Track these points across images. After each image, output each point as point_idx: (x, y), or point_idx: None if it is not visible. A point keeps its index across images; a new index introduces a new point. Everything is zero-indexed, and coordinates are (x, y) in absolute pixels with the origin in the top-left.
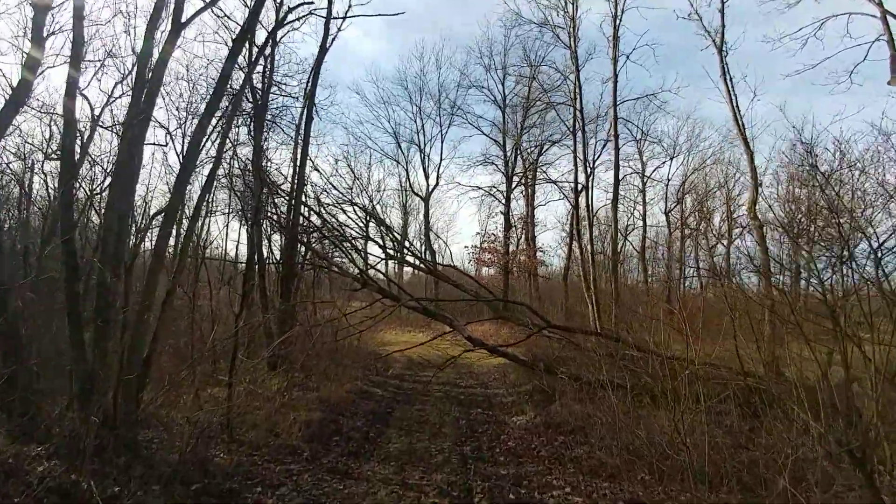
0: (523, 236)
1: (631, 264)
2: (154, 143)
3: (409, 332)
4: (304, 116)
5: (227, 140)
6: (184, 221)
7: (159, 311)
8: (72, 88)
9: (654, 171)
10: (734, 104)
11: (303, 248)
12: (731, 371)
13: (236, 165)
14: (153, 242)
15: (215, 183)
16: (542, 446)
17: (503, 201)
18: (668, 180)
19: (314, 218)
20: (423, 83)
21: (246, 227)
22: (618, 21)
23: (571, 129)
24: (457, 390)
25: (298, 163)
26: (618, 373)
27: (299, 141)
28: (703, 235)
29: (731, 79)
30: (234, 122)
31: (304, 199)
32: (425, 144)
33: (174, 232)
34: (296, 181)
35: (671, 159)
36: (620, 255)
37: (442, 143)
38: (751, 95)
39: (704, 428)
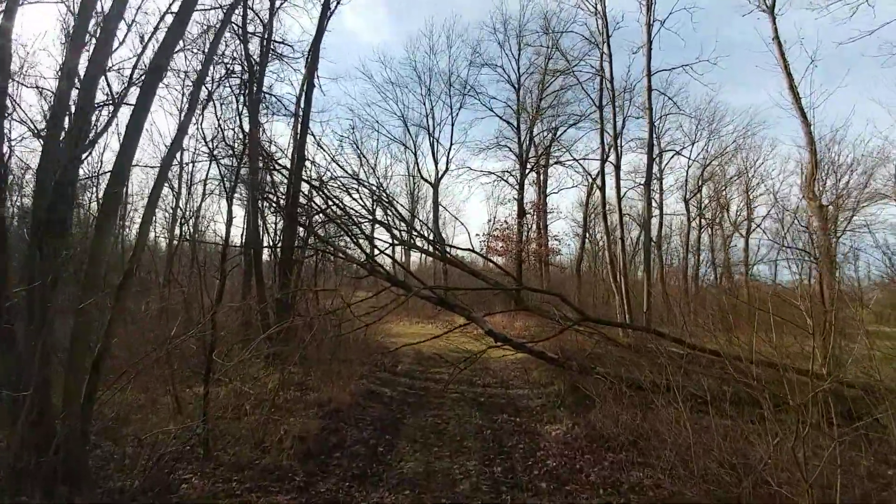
0: (534, 224)
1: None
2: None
3: (417, 323)
4: (305, 84)
5: (204, 86)
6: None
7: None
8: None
9: (674, 156)
10: (788, 70)
11: (304, 232)
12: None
13: (234, 139)
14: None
15: (213, 162)
16: (589, 467)
17: (516, 187)
18: (690, 165)
19: (317, 199)
20: (432, 63)
21: (227, 199)
22: None
23: (598, 104)
24: (474, 391)
25: (298, 136)
26: (684, 378)
27: (300, 113)
28: (718, 225)
29: (782, 43)
30: (215, 71)
31: (306, 177)
32: (434, 128)
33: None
34: (295, 156)
35: (692, 144)
36: (634, 247)
37: (452, 126)
38: (806, 62)
39: (836, 458)
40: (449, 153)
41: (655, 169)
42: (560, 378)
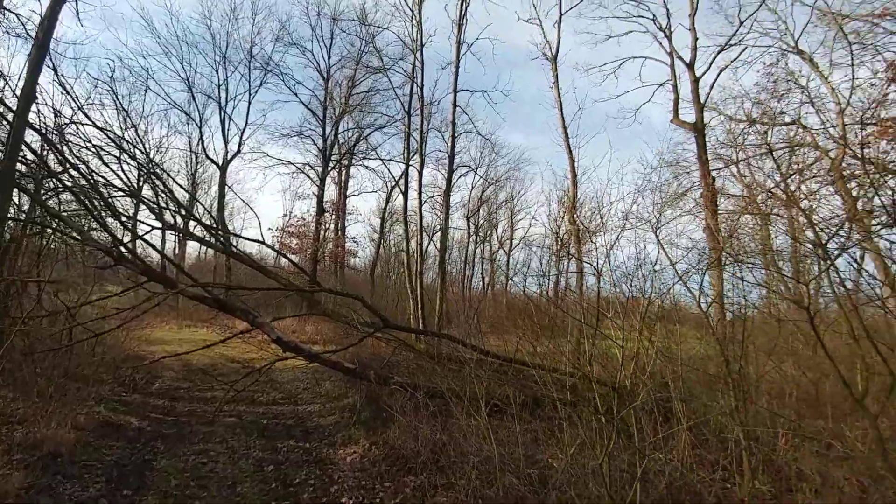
0: (332, 224)
1: (428, 263)
2: None
3: (188, 327)
4: None
5: None
6: None
7: None
8: None
9: (461, 177)
10: (562, 112)
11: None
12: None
13: None
14: None
15: None
16: (390, 498)
17: (317, 182)
18: (473, 186)
19: (52, 160)
20: (232, 27)
21: None
22: (465, 5)
23: (407, 109)
24: (256, 411)
25: (31, 67)
26: (484, 386)
27: (39, 35)
28: (488, 242)
29: (560, 88)
30: None
31: (41, 127)
32: (228, 102)
33: None
34: (22, 94)
35: (476, 168)
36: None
37: (249, 104)
38: (575, 109)
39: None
40: (243, 134)
41: (443, 183)
42: (355, 389)
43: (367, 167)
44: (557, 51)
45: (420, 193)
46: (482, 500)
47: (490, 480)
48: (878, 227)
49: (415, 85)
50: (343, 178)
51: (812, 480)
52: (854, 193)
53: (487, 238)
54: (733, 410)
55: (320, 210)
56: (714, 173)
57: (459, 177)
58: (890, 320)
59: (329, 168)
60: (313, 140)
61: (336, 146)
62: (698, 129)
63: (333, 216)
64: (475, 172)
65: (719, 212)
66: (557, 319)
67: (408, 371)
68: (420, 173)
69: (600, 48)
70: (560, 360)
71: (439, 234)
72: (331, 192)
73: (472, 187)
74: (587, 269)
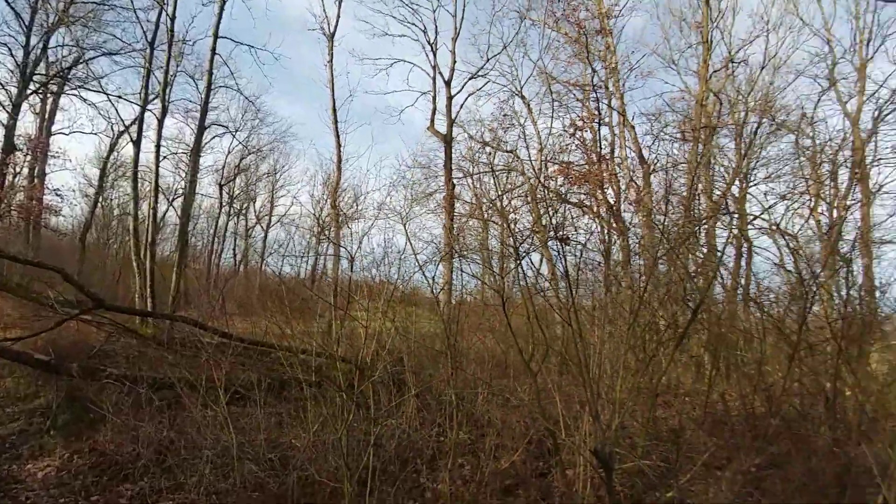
0: (26, 168)
1: (165, 233)
2: None
3: None
4: None
5: None
6: None
7: None
8: None
9: (214, 138)
10: (333, 94)
11: None
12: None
13: None
14: None
15: None
16: None
17: (8, 108)
18: (230, 150)
19: None
20: None
21: None
22: None
23: (150, 40)
24: None
25: None
26: (223, 371)
27: None
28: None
29: (334, 69)
30: None
31: None
32: None
33: None
34: None
35: (236, 132)
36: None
37: None
38: (347, 94)
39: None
40: None
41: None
42: (49, 386)
43: (85, 100)
44: (335, 30)
45: (158, 146)
46: (217, 495)
47: (227, 473)
48: (549, 239)
49: (164, 13)
50: (48, 108)
51: (497, 426)
52: (540, 212)
53: (244, 211)
54: (449, 377)
55: (10, 146)
56: (455, 181)
57: (213, 136)
58: (548, 306)
59: (28, 91)
60: (10, 49)
61: (43, 63)
62: (447, 140)
63: (28, 157)
64: (233, 136)
65: (455, 214)
66: (311, 302)
67: (127, 361)
68: (160, 122)
69: (377, 42)
70: (309, 342)
71: (182, 198)
72: (27, 123)
73: (229, 151)
74: (342, 254)
